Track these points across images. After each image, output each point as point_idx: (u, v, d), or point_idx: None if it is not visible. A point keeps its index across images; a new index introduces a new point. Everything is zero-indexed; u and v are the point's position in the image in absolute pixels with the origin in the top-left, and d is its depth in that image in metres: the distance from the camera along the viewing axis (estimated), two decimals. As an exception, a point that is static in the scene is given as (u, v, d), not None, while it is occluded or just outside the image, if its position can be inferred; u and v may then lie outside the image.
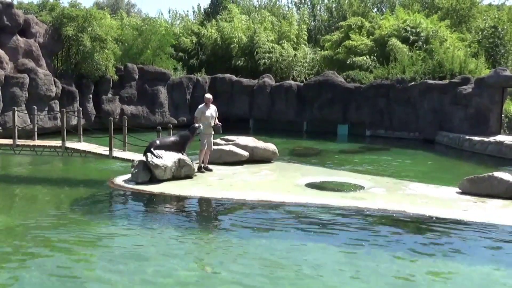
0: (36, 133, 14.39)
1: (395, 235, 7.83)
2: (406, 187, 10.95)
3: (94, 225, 8.42)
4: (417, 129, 21.18)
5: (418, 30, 25.56)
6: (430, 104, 20.38)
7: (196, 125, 12.08)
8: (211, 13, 36.93)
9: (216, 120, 12.48)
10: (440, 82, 20.44)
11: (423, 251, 7.16)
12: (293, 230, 8.12)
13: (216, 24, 31.63)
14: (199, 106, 12.45)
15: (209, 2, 39.80)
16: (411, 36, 25.26)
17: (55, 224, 8.39)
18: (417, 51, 23.56)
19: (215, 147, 12.97)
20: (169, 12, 48.60)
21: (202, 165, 12.34)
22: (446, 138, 19.32)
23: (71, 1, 24.07)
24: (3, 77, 18.84)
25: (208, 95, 12.67)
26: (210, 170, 12.36)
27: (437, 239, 7.68)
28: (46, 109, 20.73)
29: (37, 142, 13.85)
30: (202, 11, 40.04)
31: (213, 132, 12.40)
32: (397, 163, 15.79)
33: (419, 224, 8.37)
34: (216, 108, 12.59)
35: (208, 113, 12.22)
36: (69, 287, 5.90)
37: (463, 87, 19.35)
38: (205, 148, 12.30)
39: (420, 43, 24.84)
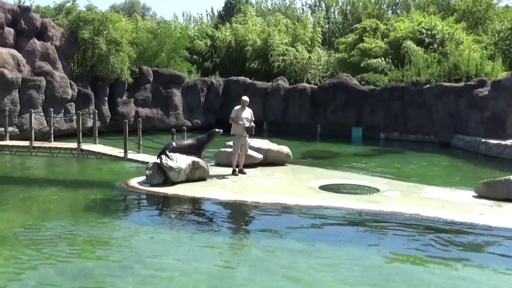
0: (52, 135, 14.54)
1: (410, 239, 7.76)
2: (421, 190, 10.85)
3: (108, 226, 8.48)
4: (432, 132, 21.00)
5: (433, 32, 25.38)
6: (446, 107, 20.19)
7: (216, 130, 12.10)
8: (225, 16, 37.08)
9: (252, 123, 12.30)
10: (456, 84, 20.25)
11: (438, 255, 7.09)
12: (307, 232, 8.10)
13: (230, 27, 31.73)
14: (235, 108, 12.37)
15: (223, 5, 40.01)
16: (426, 39, 25.09)
17: (70, 225, 8.47)
18: (432, 54, 23.38)
19: (229, 149, 12.95)
20: (183, 15, 48.87)
21: (237, 168, 12.27)
22: (462, 141, 19.12)
23: (87, 5, 24.33)
24: (20, 80, 19.09)
25: (245, 97, 12.50)
26: (244, 173, 12.25)
27: (453, 243, 7.60)
28: (62, 111, 20.95)
29: (53, 144, 14.00)
30: (216, 14, 40.22)
31: (247, 134, 12.26)
32: (412, 166, 15.66)
33: (434, 228, 8.29)
34: (251, 111, 12.45)
35: (243, 114, 12.12)
36: (84, 288, 5.95)
37: (479, 89, 19.14)
38: (238, 151, 12.21)
39: (436, 45, 24.66)
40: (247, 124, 12.10)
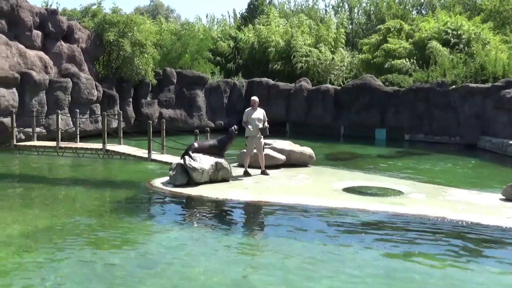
0: (78, 136, 14.82)
1: (435, 242, 7.65)
2: (447, 193, 10.69)
3: (132, 226, 8.57)
4: (458, 134, 20.68)
5: (459, 32, 25.00)
6: (472, 108, 19.87)
7: (233, 127, 12.10)
8: (248, 18, 37.17)
9: (266, 123, 12.30)
10: (482, 85, 19.91)
11: (463, 259, 6.97)
12: (330, 234, 8.05)
13: (253, 28, 31.79)
14: (246, 110, 12.42)
15: (246, 6, 40.11)
16: (452, 39, 24.73)
17: (94, 225, 8.59)
18: (458, 54, 23.03)
19: (254, 150, 12.92)
20: (206, 16, 49.24)
21: (247, 169, 12.30)
22: (489, 143, 18.79)
23: (113, 7, 24.69)
24: (48, 82, 19.46)
25: (254, 98, 12.53)
26: (267, 174, 12.23)
27: (479, 247, 7.46)
28: (88, 112, 21.30)
29: (79, 144, 14.26)
30: (239, 15, 40.36)
31: (260, 135, 12.23)
32: (437, 168, 15.44)
33: (460, 231, 8.15)
34: (264, 111, 12.44)
35: (254, 115, 12.15)
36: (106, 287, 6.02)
37: (506, 90, 18.76)
38: (251, 153, 12.25)
39: (462, 45, 24.28)
40: (260, 125, 12.10)
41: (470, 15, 29.47)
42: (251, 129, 12.03)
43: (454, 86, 20.79)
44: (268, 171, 12.41)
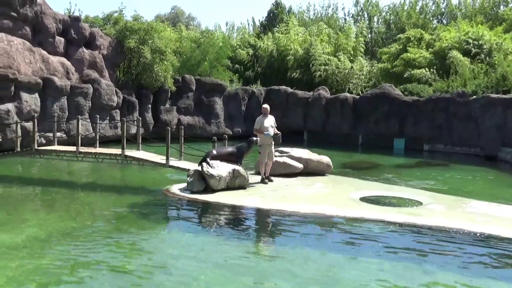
0: (97, 141, 14.99)
1: (454, 255, 7.54)
2: (466, 204, 10.54)
3: (149, 232, 8.63)
4: (479, 145, 20.39)
5: (480, 42, 24.77)
6: (493, 119, 19.60)
7: (254, 138, 12.15)
8: (267, 26, 37.33)
9: (275, 129, 12.42)
10: (504, 96, 19.64)
11: (481, 272, 6.85)
12: (347, 244, 8.00)
13: (272, 37, 31.90)
14: (258, 118, 12.51)
15: (266, 15, 40.27)
16: (473, 49, 24.51)
17: (111, 230, 8.67)
18: (479, 64, 22.78)
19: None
20: (226, 24, 49.55)
21: (264, 175, 12.34)
22: (510, 154, 18.49)
23: (134, 15, 25.02)
24: (69, 87, 19.76)
25: (265, 105, 12.65)
26: (271, 180, 12.29)
27: (498, 260, 7.34)
28: (108, 118, 21.54)
29: (99, 150, 14.42)
30: (258, 24, 40.56)
31: (273, 142, 12.34)
32: (456, 179, 15.25)
33: (479, 244, 8.03)
34: (274, 118, 12.57)
35: (266, 123, 12.21)
36: (125, 291, 6.06)
37: (528, 101, 18.50)
38: (265, 160, 12.32)
39: (483, 55, 24.02)
40: (272, 133, 12.14)
41: (491, 25, 29.18)
42: (267, 137, 12.07)
43: (474, 97, 20.55)
44: (272, 177, 12.43)
